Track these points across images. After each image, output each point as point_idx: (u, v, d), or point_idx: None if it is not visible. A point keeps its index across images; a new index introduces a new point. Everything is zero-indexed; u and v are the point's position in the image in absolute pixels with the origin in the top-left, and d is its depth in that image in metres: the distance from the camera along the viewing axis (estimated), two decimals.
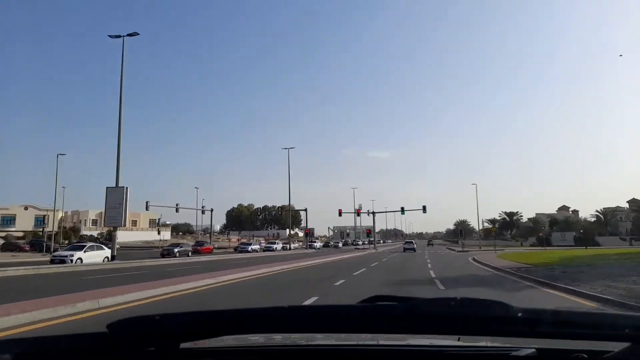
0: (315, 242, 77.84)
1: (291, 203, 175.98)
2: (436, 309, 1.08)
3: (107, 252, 27.73)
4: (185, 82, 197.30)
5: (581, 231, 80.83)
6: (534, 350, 1.19)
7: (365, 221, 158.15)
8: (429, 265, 25.95)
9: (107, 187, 27.23)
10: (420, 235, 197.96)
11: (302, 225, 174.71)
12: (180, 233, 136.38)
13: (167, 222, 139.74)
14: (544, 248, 55.37)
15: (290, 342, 1.50)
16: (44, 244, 51.20)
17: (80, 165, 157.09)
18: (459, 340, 1.38)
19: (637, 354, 1.01)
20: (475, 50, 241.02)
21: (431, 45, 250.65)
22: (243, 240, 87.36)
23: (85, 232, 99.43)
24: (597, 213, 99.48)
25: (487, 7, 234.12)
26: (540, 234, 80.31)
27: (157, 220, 77.68)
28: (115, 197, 26.63)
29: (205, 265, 25.17)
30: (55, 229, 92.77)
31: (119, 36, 29.05)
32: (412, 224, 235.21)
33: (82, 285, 13.81)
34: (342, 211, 66.82)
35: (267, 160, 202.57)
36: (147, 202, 51.63)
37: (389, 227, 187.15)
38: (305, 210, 63.68)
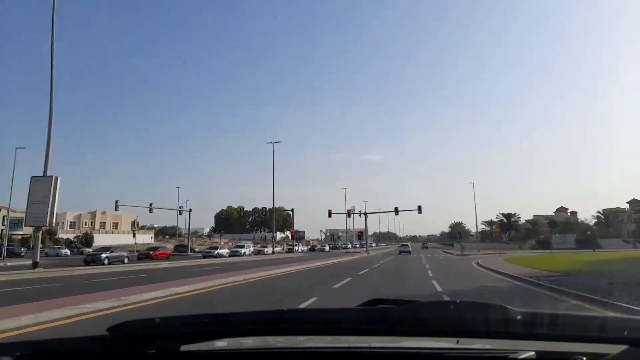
0: (296, 245, 69.02)
1: (282, 205, 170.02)
2: (435, 311, 1.12)
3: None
4: (182, 83, 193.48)
5: (588, 232, 76.91)
6: (532, 352, 1.18)
7: (358, 224, 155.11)
8: (430, 273, 21.50)
9: (31, 177, 21.48)
10: (414, 238, 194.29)
11: (293, 228, 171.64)
12: (167, 236, 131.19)
13: (155, 225, 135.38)
14: (550, 251, 51.09)
15: (290, 345, 1.48)
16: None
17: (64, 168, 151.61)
18: (457, 342, 1.34)
19: (635, 356, 1.01)
20: (472, 50, 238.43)
21: (429, 46, 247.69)
22: (214, 245, 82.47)
23: (61, 234, 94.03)
24: (598, 214, 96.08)
25: (483, 6, 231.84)
26: (542, 237, 76.77)
27: (134, 223, 72.32)
28: (41, 189, 20.86)
29: (131, 278, 19.08)
30: (29, 231, 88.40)
31: None
32: (405, 226, 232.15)
33: None
34: (333, 212, 62.40)
35: (258, 162, 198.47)
36: (116, 202, 46.66)
37: (382, 230, 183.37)
38: (292, 210, 58.88)
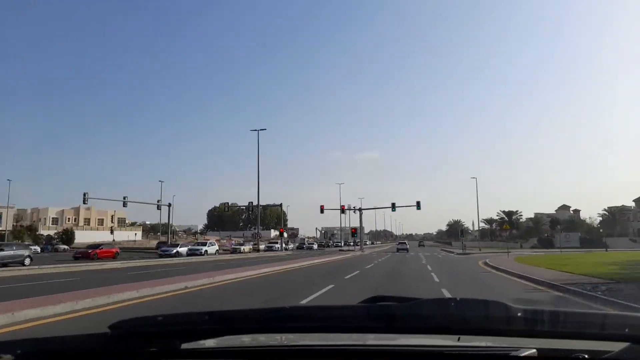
0: (275, 243, 61.63)
1: (275, 203, 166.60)
2: (436, 309, 1.11)
3: None
4: (183, 84, 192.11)
5: (601, 230, 72.98)
6: (534, 350, 1.18)
7: (355, 222, 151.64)
8: (435, 277, 17.36)
9: None
10: (410, 237, 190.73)
11: (287, 226, 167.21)
12: (159, 233, 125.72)
13: (148, 222, 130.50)
14: (559, 250, 47.04)
15: (291, 342, 1.48)
16: None
17: (43, 161, 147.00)
18: (459, 340, 1.33)
19: (636, 353, 1.01)
20: (473, 48, 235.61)
21: (429, 45, 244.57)
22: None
23: (43, 231, 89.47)
24: (604, 212, 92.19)
25: (482, 5, 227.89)
26: (547, 235, 72.92)
27: (112, 218, 67.61)
28: None
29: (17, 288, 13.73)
30: (9, 227, 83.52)
31: None
32: (402, 225, 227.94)
33: None
34: (328, 209, 58.31)
35: (252, 160, 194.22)
36: (84, 195, 42.30)
37: (378, 229, 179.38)
38: (281, 205, 54.47)
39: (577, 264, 22.81)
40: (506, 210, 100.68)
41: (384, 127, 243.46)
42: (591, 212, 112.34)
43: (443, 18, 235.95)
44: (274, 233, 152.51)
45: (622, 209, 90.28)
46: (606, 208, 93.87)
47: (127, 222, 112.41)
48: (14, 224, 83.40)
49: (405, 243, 64.71)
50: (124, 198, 46.74)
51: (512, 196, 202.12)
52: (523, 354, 1.17)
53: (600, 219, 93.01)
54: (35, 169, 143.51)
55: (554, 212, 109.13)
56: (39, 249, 53.96)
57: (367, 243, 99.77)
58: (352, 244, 61.73)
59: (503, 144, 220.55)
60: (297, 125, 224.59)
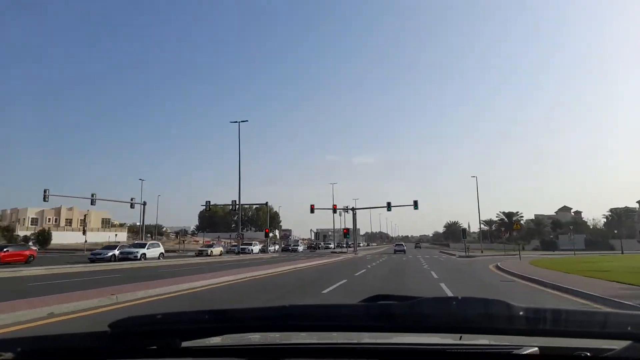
0: (249, 245, 54.04)
1: (269, 204, 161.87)
2: (437, 307, 1.10)
3: None
4: (185, 86, 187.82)
5: (615, 231, 69.04)
6: (536, 348, 1.18)
7: (350, 223, 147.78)
8: (447, 289, 13.17)
9: None
10: (405, 239, 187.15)
11: (281, 227, 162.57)
12: (149, 235, 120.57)
13: (138, 224, 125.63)
14: (573, 253, 42.93)
15: (291, 341, 1.48)
16: None
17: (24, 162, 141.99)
18: (460, 339, 1.34)
19: (638, 351, 1.01)
20: (475, 51, 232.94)
21: (431, 47, 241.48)
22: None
23: (21, 232, 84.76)
24: (609, 213, 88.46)
25: (483, 7, 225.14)
26: (551, 236, 69.16)
27: (84, 218, 62.51)
28: None
29: None
30: None
31: None
32: (397, 226, 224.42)
33: None
34: (324, 209, 54.24)
35: (246, 160, 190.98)
36: (45, 191, 37.81)
37: (374, 230, 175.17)
38: (266, 204, 50.13)
39: (611, 270, 18.72)
40: (506, 211, 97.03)
41: (381, 130, 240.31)
42: (592, 214, 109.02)
43: (444, 19, 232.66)
44: (239, 233, 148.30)
45: (627, 210, 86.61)
46: (611, 209, 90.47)
47: (116, 223, 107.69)
48: None
49: (402, 245, 64.20)
50: (92, 195, 42.29)
51: (510, 198, 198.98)
52: (525, 352, 1.16)
53: (605, 220, 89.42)
54: (30, 169, 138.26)
55: (554, 213, 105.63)
56: None
57: (361, 245, 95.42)
58: (344, 245, 57.09)
59: (501, 145, 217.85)
60: (295, 127, 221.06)
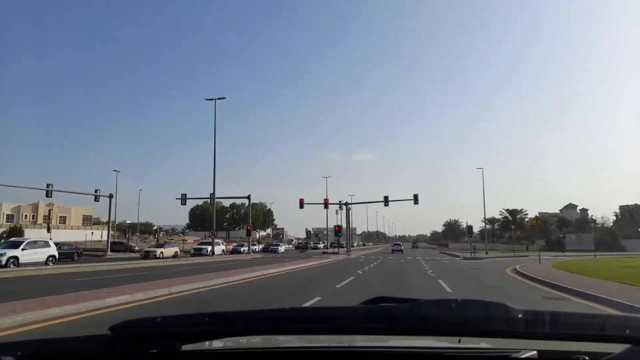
0: (207, 245, 42.67)
1: (262, 202, 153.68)
2: (437, 310, 1.10)
3: None
4: (186, 85, 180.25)
5: (636, 230, 64.15)
6: (534, 352, 1.19)
7: (353, 222, 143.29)
8: None
9: None
10: (402, 238, 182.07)
11: (274, 226, 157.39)
12: (137, 233, 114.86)
13: (128, 221, 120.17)
14: (593, 255, 37.92)
15: (292, 344, 1.48)
16: None
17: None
18: (459, 341, 1.35)
19: (637, 355, 1.01)
20: (474, 50, 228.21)
21: (433, 45, 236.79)
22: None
23: None
24: (621, 210, 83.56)
25: (482, 6, 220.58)
26: (561, 235, 64.35)
27: (48, 214, 57.12)
28: None
29: None
30: None
31: None
32: (395, 225, 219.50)
33: None
34: (311, 204, 49.18)
35: (240, 156, 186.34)
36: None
37: (370, 230, 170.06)
38: (249, 197, 44.67)
39: None
40: (510, 208, 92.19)
41: (381, 129, 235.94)
42: (598, 211, 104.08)
43: (443, 20, 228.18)
44: (259, 233, 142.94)
45: (638, 207, 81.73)
46: (621, 206, 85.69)
47: (103, 220, 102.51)
48: None
49: (400, 244, 62.28)
50: (48, 186, 36.93)
51: (512, 196, 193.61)
52: (524, 356, 1.16)
53: (614, 218, 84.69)
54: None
55: (559, 211, 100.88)
56: None
57: (355, 245, 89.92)
58: (336, 245, 51.07)
59: (502, 144, 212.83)
60: (295, 127, 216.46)
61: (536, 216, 26.84)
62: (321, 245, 72.41)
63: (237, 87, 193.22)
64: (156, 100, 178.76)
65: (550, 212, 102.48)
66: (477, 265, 28.42)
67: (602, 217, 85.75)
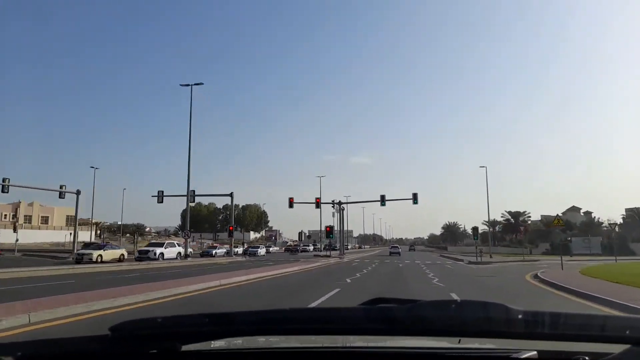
0: (166, 247, 34.67)
1: (257, 203, 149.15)
2: (437, 311, 1.10)
3: None
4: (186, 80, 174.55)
5: (638, 237, 60.50)
6: (534, 352, 1.19)
7: (350, 225, 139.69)
8: None
9: None
10: (400, 241, 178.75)
11: (266, 228, 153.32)
12: (128, 234, 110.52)
13: (119, 222, 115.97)
14: (615, 259, 34.11)
15: (292, 344, 1.48)
16: None
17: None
18: (459, 342, 1.35)
19: (637, 355, 1.01)
20: (475, 51, 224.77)
21: (433, 47, 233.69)
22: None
23: None
24: (629, 213, 79.96)
25: (485, 7, 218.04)
26: (569, 239, 60.90)
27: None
28: None
29: None
30: None
31: None
32: (392, 229, 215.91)
33: None
34: (304, 204, 45.53)
35: (237, 160, 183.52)
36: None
37: (367, 232, 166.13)
38: (231, 195, 40.66)
39: None
40: (512, 210, 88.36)
41: (380, 131, 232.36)
42: (600, 214, 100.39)
43: (445, 21, 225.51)
44: (253, 235, 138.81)
45: None
46: (627, 209, 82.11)
47: (91, 221, 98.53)
48: None
49: (397, 247, 61.51)
50: (4, 180, 32.93)
51: (513, 199, 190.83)
52: (524, 356, 1.16)
53: (620, 221, 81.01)
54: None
55: (561, 214, 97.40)
56: None
57: (350, 247, 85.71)
58: (327, 248, 46.45)
59: (503, 145, 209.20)
60: (293, 127, 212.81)
61: (557, 215, 23.12)
62: (311, 248, 67.97)
63: (237, 87, 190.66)
64: (155, 98, 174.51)
65: (552, 214, 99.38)
66: (487, 271, 24.64)
67: (608, 220, 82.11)
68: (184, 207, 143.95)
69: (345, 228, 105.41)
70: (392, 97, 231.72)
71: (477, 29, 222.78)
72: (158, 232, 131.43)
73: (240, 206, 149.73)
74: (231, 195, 40.43)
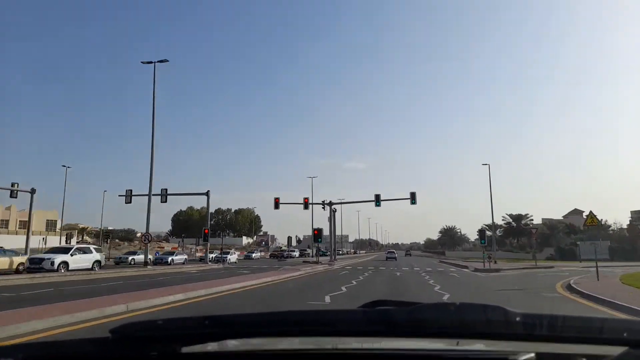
0: (86, 250, 27.02)
1: (250, 207, 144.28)
2: (435, 313, 1.11)
3: None
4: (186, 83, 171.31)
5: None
6: (532, 354, 1.18)
7: (345, 230, 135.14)
8: None
9: None
10: (396, 246, 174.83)
11: (260, 233, 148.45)
12: (116, 240, 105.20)
13: (111, 227, 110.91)
14: (630, 264, 29.95)
15: (292, 346, 1.46)
16: None
17: None
18: (457, 344, 1.35)
19: (635, 358, 1.02)
20: (476, 53, 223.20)
21: (435, 50, 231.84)
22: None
23: None
24: (638, 215, 76.31)
25: (487, 7, 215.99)
26: (579, 243, 56.46)
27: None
28: None
29: None
30: None
31: None
32: (388, 234, 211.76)
33: None
34: (292, 204, 41.38)
35: (232, 162, 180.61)
36: None
37: (362, 237, 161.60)
38: (207, 194, 36.06)
39: None
40: (513, 213, 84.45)
41: (380, 135, 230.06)
42: (606, 217, 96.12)
43: (446, 22, 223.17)
44: (245, 240, 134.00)
45: None
46: (632, 212, 78.45)
47: (80, 226, 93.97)
48: None
49: (394, 252, 61.46)
50: None
51: (513, 202, 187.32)
52: (522, 358, 1.16)
53: (628, 223, 77.26)
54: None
55: (562, 218, 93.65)
56: None
57: (344, 252, 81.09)
58: (322, 253, 41.89)
59: (502, 149, 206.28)
60: (295, 134, 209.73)
61: (591, 213, 19.02)
62: (296, 254, 62.85)
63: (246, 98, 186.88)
64: (163, 109, 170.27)
65: (554, 218, 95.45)
66: (504, 281, 20.38)
67: (615, 223, 78.58)
68: (175, 211, 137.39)
69: (340, 232, 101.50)
70: (387, 101, 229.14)
71: (479, 31, 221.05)
72: (145, 237, 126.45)
73: (232, 210, 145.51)
74: (207, 193, 35.95)
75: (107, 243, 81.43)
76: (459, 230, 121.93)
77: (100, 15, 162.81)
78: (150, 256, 38.38)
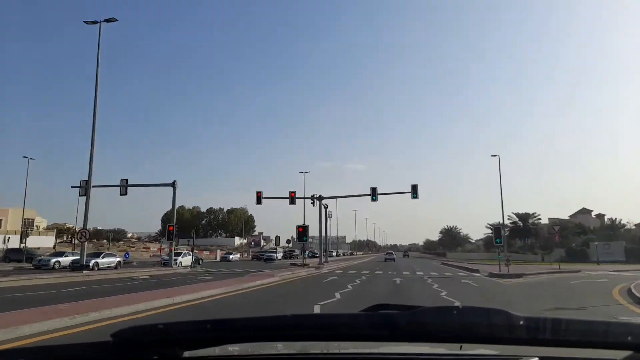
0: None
1: (243, 207, 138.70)
2: (438, 317, 1.10)
3: None
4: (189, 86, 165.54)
5: None
6: (536, 358, 1.19)
7: (342, 230, 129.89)
8: None
9: None
10: (394, 248, 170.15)
11: (254, 233, 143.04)
12: (104, 240, 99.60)
13: (98, 227, 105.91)
14: None
15: (294, 351, 1.49)
16: None
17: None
18: (460, 348, 1.35)
19: None
20: (477, 54, 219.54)
21: (436, 51, 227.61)
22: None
23: None
24: None
25: (487, 7, 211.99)
26: (597, 244, 51.78)
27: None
28: None
29: None
30: None
31: None
32: (386, 234, 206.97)
33: None
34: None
35: (229, 164, 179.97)
36: None
37: (360, 238, 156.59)
38: (173, 184, 30.74)
39: None
40: (520, 212, 79.38)
41: (377, 136, 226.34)
42: (615, 216, 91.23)
43: (445, 22, 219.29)
44: (238, 241, 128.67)
45: None
46: None
47: (68, 226, 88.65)
48: None
49: (392, 253, 60.99)
50: None
51: (518, 201, 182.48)
52: None
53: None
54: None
55: (568, 217, 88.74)
56: None
57: (336, 254, 75.39)
58: (313, 254, 36.52)
59: (505, 145, 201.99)
60: (295, 135, 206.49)
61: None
62: (278, 255, 56.54)
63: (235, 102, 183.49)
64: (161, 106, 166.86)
65: (561, 217, 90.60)
66: (535, 290, 15.34)
67: (628, 222, 73.52)
68: (165, 210, 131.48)
69: (336, 233, 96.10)
70: (387, 102, 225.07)
71: (479, 32, 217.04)
72: (139, 238, 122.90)
73: (224, 210, 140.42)
74: (173, 184, 30.73)
75: (81, 243, 76.43)
76: (460, 231, 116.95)
77: (100, 15, 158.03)
78: (119, 258, 33.39)
